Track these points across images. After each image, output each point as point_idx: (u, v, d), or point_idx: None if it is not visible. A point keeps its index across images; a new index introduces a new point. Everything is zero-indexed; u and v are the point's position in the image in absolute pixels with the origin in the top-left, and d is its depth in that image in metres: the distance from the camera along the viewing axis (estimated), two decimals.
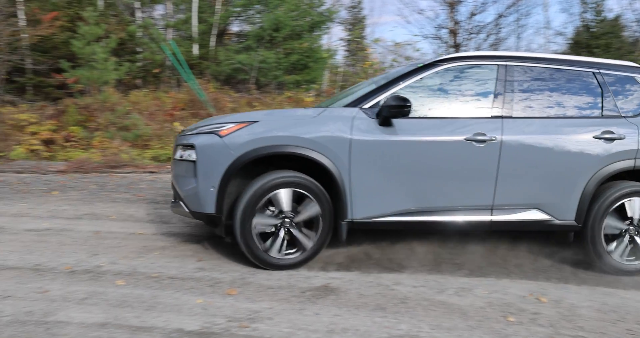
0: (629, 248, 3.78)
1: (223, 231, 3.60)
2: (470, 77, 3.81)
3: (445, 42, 14.14)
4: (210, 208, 3.52)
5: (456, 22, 13.70)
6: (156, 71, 12.36)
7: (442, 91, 3.77)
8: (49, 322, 2.62)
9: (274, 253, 3.50)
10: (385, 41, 25.32)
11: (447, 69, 3.78)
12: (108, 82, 9.75)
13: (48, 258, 3.63)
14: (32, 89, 11.42)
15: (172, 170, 3.96)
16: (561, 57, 4.14)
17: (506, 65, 3.82)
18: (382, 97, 3.63)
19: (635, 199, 3.75)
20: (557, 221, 3.74)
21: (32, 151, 8.58)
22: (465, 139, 3.60)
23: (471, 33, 13.67)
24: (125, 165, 7.60)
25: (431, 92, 3.76)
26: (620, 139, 3.73)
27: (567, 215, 3.75)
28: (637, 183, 3.81)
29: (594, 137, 3.71)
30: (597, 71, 3.93)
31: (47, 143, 8.84)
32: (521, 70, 3.84)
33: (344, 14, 19.90)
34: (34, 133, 8.84)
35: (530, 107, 3.80)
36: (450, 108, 3.74)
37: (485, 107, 3.73)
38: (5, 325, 2.57)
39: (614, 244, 3.77)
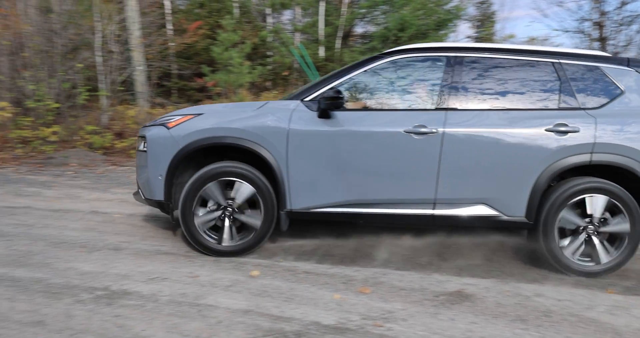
0: (583, 247, 3.50)
1: (172, 217, 3.83)
2: (416, 69, 3.78)
3: (589, 36, 12.97)
4: (159, 195, 3.73)
5: (603, 13, 12.48)
6: (285, 73, 12.95)
7: (386, 83, 3.77)
8: (200, 305, 2.87)
9: (226, 242, 3.64)
10: (519, 37, 23.95)
11: (392, 62, 3.76)
12: (243, 84, 10.42)
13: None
14: (176, 92, 12.63)
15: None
16: (518, 47, 3.87)
17: (455, 56, 3.69)
18: (323, 90, 3.63)
19: (598, 196, 3.44)
20: (505, 217, 3.55)
21: None
22: (405, 131, 3.54)
23: (621, 25, 12.35)
24: None
25: (375, 84, 3.77)
26: (575, 132, 3.46)
27: (517, 211, 3.54)
28: (600, 179, 3.49)
29: (545, 130, 3.49)
30: (557, 61, 3.66)
31: None
32: (471, 61, 3.69)
33: (472, 10, 19.17)
34: None
35: (479, 99, 3.64)
36: (394, 100, 3.73)
37: (430, 100, 3.66)
38: (164, 304, 2.86)
39: (568, 240, 3.52)
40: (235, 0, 13.38)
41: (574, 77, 3.63)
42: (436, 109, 3.62)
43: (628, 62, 3.74)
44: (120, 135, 9.50)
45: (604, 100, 3.60)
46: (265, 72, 12.03)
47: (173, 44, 11.96)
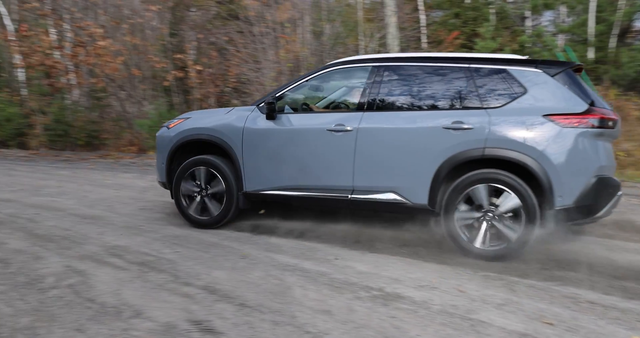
0: (489, 234, 3.81)
1: (171, 194, 5.00)
2: (348, 78, 4.75)
3: None
4: (162, 178, 5.08)
5: None
6: None
7: (323, 89, 4.82)
8: (473, 319, 2.83)
9: (192, 211, 4.84)
10: None
11: (330, 72, 4.57)
12: None
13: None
14: None
15: None
16: (434, 55, 4.38)
17: (378, 66, 4.33)
18: (266, 98, 4.62)
19: (479, 186, 3.80)
20: (411, 204, 4.07)
21: None
22: (327, 130, 4.28)
23: None
24: None
25: (315, 91, 4.81)
26: (469, 129, 3.83)
27: (420, 199, 4.02)
28: (484, 170, 3.82)
29: (443, 127, 3.90)
30: (467, 65, 4.05)
31: None
32: (391, 70, 4.29)
33: None
34: None
35: (394, 102, 4.25)
36: (327, 104, 4.86)
37: (354, 103, 4.52)
38: (436, 313, 2.92)
39: (473, 233, 3.85)
40: (492, 7, 12.96)
41: (481, 80, 3.98)
42: (356, 110, 4.36)
43: (536, 64, 3.95)
44: None
45: (506, 100, 3.88)
46: None
47: None
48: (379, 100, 4.28)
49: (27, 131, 13.91)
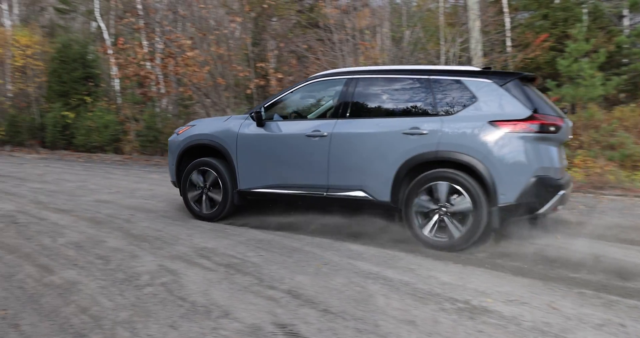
0: (437, 226, 4.30)
1: (180, 192, 5.76)
2: (326, 89, 5.32)
3: None
4: (173, 177, 5.84)
5: None
6: None
7: (305, 100, 5.54)
8: None
9: (199, 206, 5.58)
10: None
11: (312, 84, 5.18)
12: (594, 98, 9.40)
13: None
14: None
15: None
16: (400, 68, 5.09)
17: (352, 78, 4.91)
18: (256, 108, 5.23)
19: (440, 182, 4.26)
20: (376, 201, 4.61)
21: None
22: (306, 135, 4.90)
23: None
24: (613, 187, 7.09)
25: (299, 101, 5.49)
26: (424, 134, 4.33)
27: (384, 196, 4.55)
28: (442, 169, 4.27)
29: (403, 133, 4.43)
30: (427, 77, 4.55)
31: None
32: (364, 81, 4.86)
33: None
34: None
35: (363, 109, 4.86)
36: (309, 112, 5.55)
37: (331, 111, 5.11)
38: (527, 330, 2.77)
39: (425, 221, 4.37)
40: (585, 6, 12.22)
41: (439, 90, 4.44)
42: (331, 117, 4.95)
43: (488, 75, 4.37)
44: None
45: (459, 108, 4.33)
46: (621, 83, 10.53)
47: (514, 60, 11.74)
48: (351, 108, 4.86)
49: (121, 137, 14.94)
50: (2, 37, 22.78)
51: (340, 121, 4.82)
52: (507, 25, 13.06)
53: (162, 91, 15.06)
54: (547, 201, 4.14)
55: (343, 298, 3.27)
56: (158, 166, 11.76)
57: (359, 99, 4.87)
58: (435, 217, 4.33)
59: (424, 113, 4.49)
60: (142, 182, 8.89)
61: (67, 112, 16.13)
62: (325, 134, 4.80)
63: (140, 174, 9.87)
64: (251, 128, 5.24)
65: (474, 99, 4.31)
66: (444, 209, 4.29)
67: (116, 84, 19.20)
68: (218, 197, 5.41)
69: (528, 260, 4.04)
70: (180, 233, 5.05)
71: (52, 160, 14.30)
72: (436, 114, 4.42)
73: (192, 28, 13.81)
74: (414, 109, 4.58)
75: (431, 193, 4.32)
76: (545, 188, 4.13)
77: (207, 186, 5.49)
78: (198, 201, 5.57)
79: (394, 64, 11.19)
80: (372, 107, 4.89)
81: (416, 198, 4.37)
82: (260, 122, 5.17)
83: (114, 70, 18.46)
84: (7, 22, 25.57)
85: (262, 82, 13.30)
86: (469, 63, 11.06)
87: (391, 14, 12.92)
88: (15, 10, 26.54)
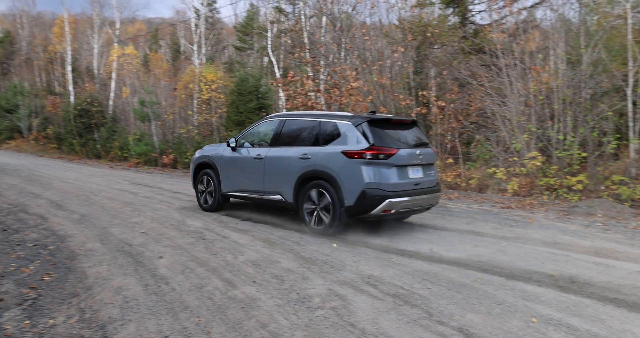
0: (317, 219, 6.41)
1: (194, 189, 8.68)
2: (271, 126, 7.50)
3: None
4: (192, 183, 8.71)
5: None
6: None
7: (261, 133, 7.73)
8: None
9: (202, 202, 8.39)
10: None
11: (264, 122, 7.74)
12: None
13: None
14: None
15: None
16: (307, 112, 7.63)
17: (283, 119, 7.38)
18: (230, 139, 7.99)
19: (314, 189, 6.42)
20: (287, 202, 6.82)
21: None
22: (253, 158, 7.37)
23: None
24: None
25: (257, 133, 7.80)
26: (309, 158, 6.51)
27: (291, 199, 6.75)
28: (316, 181, 6.42)
29: (299, 157, 6.64)
30: (319, 119, 6.79)
31: None
32: (289, 122, 7.26)
33: None
34: None
35: (285, 141, 7.12)
36: (261, 142, 7.62)
37: (271, 141, 7.33)
38: None
39: (310, 217, 6.50)
40: None
41: (323, 129, 6.62)
42: (268, 146, 7.35)
43: (350, 119, 6.38)
44: None
45: (330, 141, 6.46)
46: None
47: None
48: (279, 140, 7.24)
49: None
50: (192, 74, 26.23)
51: (272, 148, 7.27)
52: None
53: None
54: (376, 206, 5.92)
55: None
56: None
57: (284, 134, 7.23)
58: (315, 213, 6.45)
59: (312, 144, 6.71)
60: None
61: None
62: (262, 157, 7.29)
63: None
64: (228, 152, 7.95)
65: (339, 136, 6.38)
66: (318, 207, 6.39)
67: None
68: (212, 196, 8.20)
69: None
70: (346, 258, 5.19)
71: None
72: (317, 145, 6.61)
73: (355, 59, 14.38)
74: (307, 141, 6.82)
75: (310, 198, 6.50)
76: (373, 197, 5.92)
77: (206, 188, 8.31)
78: (203, 198, 8.38)
79: (569, 88, 10.33)
80: (289, 140, 7.13)
81: (304, 203, 6.56)
82: (233, 148, 7.87)
83: (283, 101, 19.98)
84: (196, 61, 29.43)
85: (424, 111, 13.24)
86: None
87: (566, 34, 11.97)
88: (203, 50, 30.42)
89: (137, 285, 4.35)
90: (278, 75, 27.47)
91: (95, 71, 36.12)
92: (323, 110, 15.25)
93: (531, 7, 13.59)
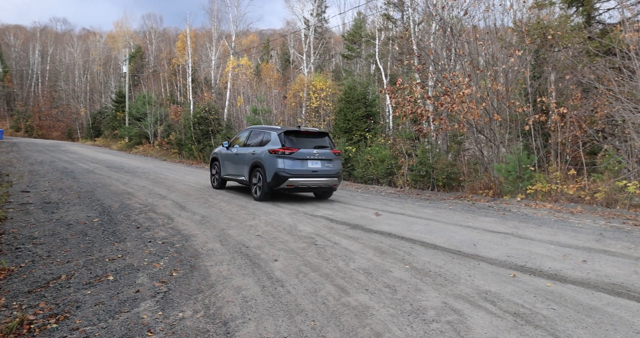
0: (257, 190, 10.91)
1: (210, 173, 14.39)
2: (245, 133, 12.67)
3: None
4: (210, 170, 14.26)
5: None
6: None
7: (240, 138, 12.78)
8: None
9: (213, 182, 13.59)
10: None
11: (244, 131, 12.97)
12: None
13: None
14: None
15: None
16: (261, 126, 12.10)
17: (249, 130, 12.43)
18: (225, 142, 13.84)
19: (255, 172, 11.02)
20: (247, 181, 11.42)
21: None
22: (234, 153, 12.28)
23: None
24: None
25: (239, 138, 12.84)
26: (254, 154, 11.14)
27: (247, 179, 11.35)
28: (256, 168, 11.01)
29: (251, 153, 11.33)
30: (264, 131, 11.53)
31: None
32: (253, 131, 12.13)
33: None
34: None
35: (249, 143, 11.90)
36: (245, 144, 12.21)
37: (243, 144, 12.32)
38: None
39: (255, 189, 11.01)
40: None
41: (265, 136, 11.31)
42: (241, 146, 12.27)
43: (277, 130, 10.98)
44: None
45: (264, 143, 11.15)
46: None
47: None
48: (246, 143, 12.08)
49: (395, 170, 15.86)
50: (301, 82, 27.08)
51: (242, 147, 12.04)
52: None
53: (434, 127, 15.49)
54: (282, 182, 10.29)
55: None
56: (429, 200, 12.02)
57: (250, 139, 11.97)
58: (255, 187, 10.92)
59: (257, 146, 11.31)
60: (417, 216, 9.18)
61: (350, 146, 18.00)
62: (237, 153, 12.04)
63: (414, 208, 10.23)
64: (224, 150, 12.86)
65: (270, 141, 10.92)
66: (258, 183, 10.83)
67: (390, 121, 20.67)
68: (217, 180, 13.17)
69: None
70: (461, 271, 5.02)
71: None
72: (260, 146, 11.19)
73: (468, 65, 13.91)
74: (256, 144, 11.44)
75: (255, 177, 10.99)
76: (281, 176, 10.29)
77: (214, 174, 13.35)
78: (212, 179, 13.44)
79: None
80: (250, 143, 11.85)
81: (252, 180, 11.09)
82: (227, 148, 12.77)
83: (390, 108, 19.85)
84: (305, 70, 30.33)
85: (542, 118, 12.44)
86: None
87: None
88: (312, 59, 31.28)
89: (255, 285, 4.56)
90: (385, 82, 27.45)
91: (213, 81, 38.73)
92: (430, 116, 15.07)
93: None
